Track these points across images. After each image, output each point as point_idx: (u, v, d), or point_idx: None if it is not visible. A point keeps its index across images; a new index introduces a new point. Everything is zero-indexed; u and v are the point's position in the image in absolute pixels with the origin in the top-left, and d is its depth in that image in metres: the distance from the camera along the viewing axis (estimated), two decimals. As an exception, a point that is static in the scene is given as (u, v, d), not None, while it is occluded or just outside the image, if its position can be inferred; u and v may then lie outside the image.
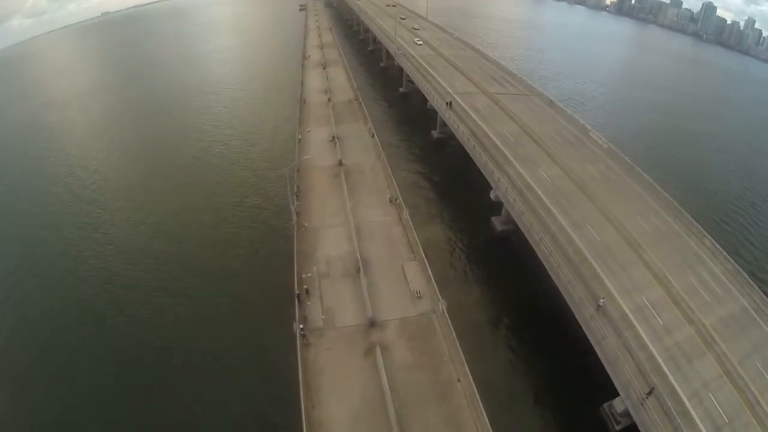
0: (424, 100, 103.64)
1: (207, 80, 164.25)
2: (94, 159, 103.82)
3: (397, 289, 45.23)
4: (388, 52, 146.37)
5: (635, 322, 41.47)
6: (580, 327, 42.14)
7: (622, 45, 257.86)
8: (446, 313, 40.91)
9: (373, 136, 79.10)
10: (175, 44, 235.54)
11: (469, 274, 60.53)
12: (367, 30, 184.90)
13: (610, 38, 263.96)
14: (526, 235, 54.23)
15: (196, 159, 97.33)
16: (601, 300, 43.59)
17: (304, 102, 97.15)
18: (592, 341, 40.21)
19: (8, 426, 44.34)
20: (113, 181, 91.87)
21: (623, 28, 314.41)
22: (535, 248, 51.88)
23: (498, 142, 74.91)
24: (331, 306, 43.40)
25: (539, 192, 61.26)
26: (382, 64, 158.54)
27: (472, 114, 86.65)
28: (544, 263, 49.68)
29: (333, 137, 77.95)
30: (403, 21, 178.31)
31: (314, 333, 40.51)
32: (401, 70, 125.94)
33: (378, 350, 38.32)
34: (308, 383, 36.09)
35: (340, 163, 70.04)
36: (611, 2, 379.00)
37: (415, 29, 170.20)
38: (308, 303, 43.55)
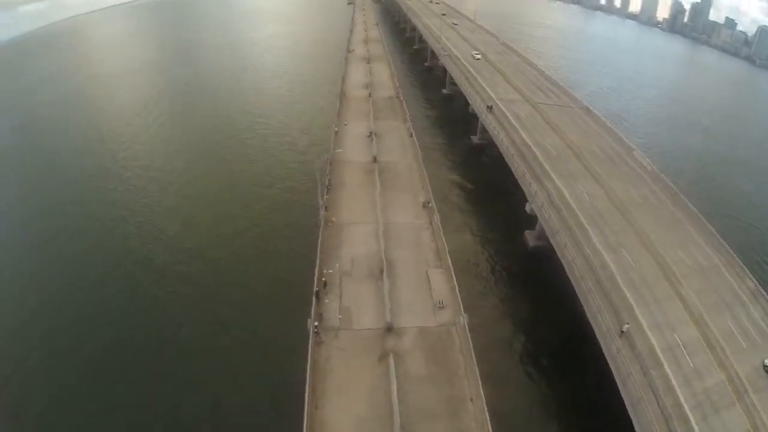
0: (467, 103, 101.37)
1: (248, 66, 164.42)
2: (127, 134, 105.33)
3: (419, 296, 43.69)
4: (433, 51, 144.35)
5: (664, 362, 38.86)
6: (605, 358, 39.94)
7: (672, 64, 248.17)
8: (467, 327, 39.10)
9: (411, 135, 77.52)
10: (220, 29, 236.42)
11: (495, 288, 58.47)
12: (414, 28, 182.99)
13: (660, 56, 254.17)
14: (559, 254, 51.93)
15: (228, 144, 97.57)
16: (626, 325, 41.29)
17: (344, 95, 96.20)
18: (616, 377, 37.81)
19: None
20: (142, 158, 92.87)
21: (674, 46, 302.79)
22: (567, 269, 49.61)
23: (538, 153, 72.44)
24: (350, 306, 42.25)
25: (576, 210, 58.67)
26: (426, 64, 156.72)
27: (514, 122, 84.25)
28: (575, 286, 47.35)
29: (370, 133, 76.80)
30: (444, 17, 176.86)
31: (329, 332, 39.46)
32: (445, 71, 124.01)
33: (392, 358, 36.89)
34: (315, 382, 35.01)
35: (375, 160, 68.78)
36: (663, 19, 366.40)
37: (455, 24, 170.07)
38: (326, 300, 42.54)
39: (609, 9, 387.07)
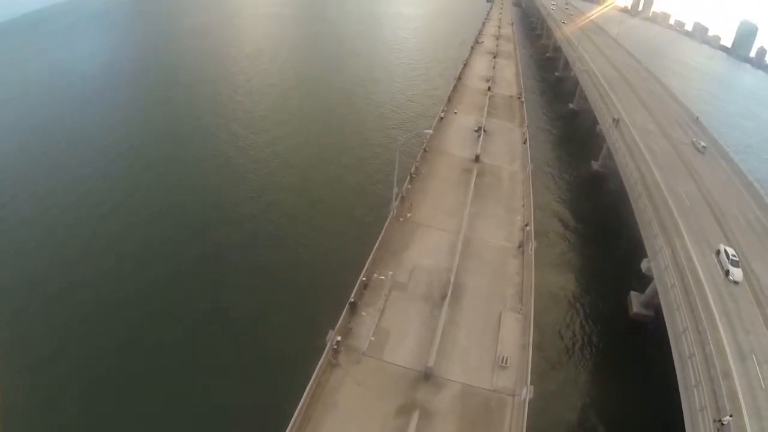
0: (594, 123, 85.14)
1: (374, 35, 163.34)
2: (251, 67, 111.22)
3: (480, 344, 31.21)
4: (566, 62, 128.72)
5: None
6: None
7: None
8: (527, 404, 26.13)
9: (525, 141, 63.63)
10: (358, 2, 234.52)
11: (576, 355, 44.20)
12: (550, 36, 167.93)
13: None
14: (672, 338, 37.47)
15: (329, 108, 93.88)
16: (728, 417, 28.44)
17: (461, 82, 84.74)
18: None
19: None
20: (254, 87, 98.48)
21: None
22: (677, 364, 35.32)
23: (669, 200, 56.43)
24: (389, 329, 31.01)
25: (706, 288, 42.62)
26: (557, 74, 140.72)
27: (647, 156, 68.07)
28: (681, 392, 33.03)
29: (479, 128, 64.45)
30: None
31: (351, 354, 28.80)
32: (576, 84, 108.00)
33: (416, 416, 25.40)
34: (309, 411, 24.91)
35: (477, 159, 56.35)
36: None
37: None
38: (363, 313, 31.87)
39: (758, 63, 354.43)
